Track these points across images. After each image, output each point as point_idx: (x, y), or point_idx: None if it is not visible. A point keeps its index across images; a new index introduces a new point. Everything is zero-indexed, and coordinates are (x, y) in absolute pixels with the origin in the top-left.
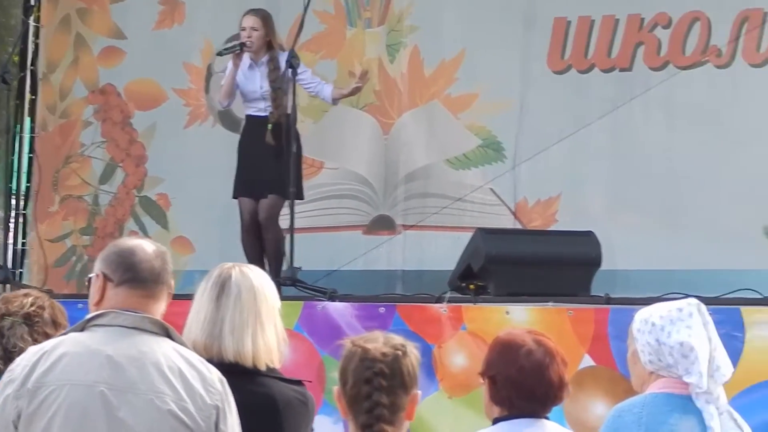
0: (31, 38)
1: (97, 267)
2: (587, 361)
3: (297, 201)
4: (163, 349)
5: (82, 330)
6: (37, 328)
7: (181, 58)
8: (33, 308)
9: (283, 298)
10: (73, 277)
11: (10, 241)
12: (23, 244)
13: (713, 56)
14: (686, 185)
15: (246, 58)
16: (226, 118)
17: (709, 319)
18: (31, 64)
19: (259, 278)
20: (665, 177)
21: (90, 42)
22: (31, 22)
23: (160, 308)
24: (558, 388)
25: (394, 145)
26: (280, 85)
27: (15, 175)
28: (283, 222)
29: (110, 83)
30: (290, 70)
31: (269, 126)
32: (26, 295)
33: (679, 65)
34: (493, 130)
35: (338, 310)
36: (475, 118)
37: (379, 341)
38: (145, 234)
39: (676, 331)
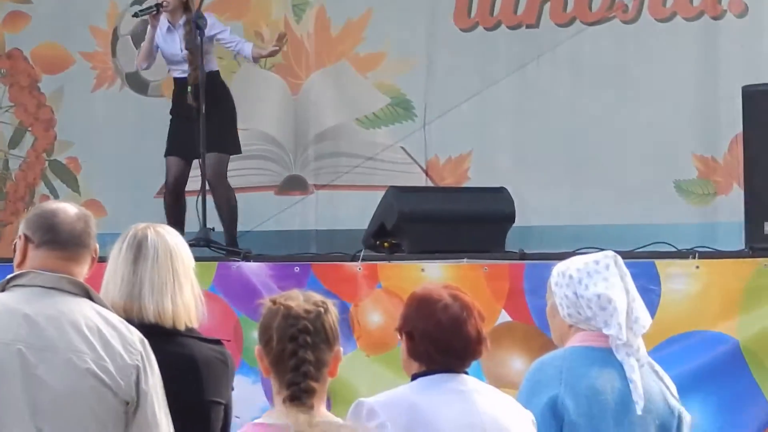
0: None
1: (21, 228)
2: (504, 316)
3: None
4: (82, 309)
5: (2, 290)
6: None
7: (87, 22)
8: None
9: (197, 258)
10: None
11: None
12: None
13: (620, 12)
14: (596, 140)
15: (164, 20)
16: (134, 81)
17: (626, 271)
18: None
19: (174, 238)
20: (575, 133)
21: None
22: None
23: (81, 271)
24: (476, 342)
25: (303, 105)
26: (196, 46)
27: None
28: (233, 180)
29: (17, 48)
30: (198, 31)
31: (189, 88)
32: None
33: (585, 21)
34: (402, 88)
35: (253, 270)
36: (383, 77)
37: (299, 299)
38: (56, 197)
39: (593, 284)
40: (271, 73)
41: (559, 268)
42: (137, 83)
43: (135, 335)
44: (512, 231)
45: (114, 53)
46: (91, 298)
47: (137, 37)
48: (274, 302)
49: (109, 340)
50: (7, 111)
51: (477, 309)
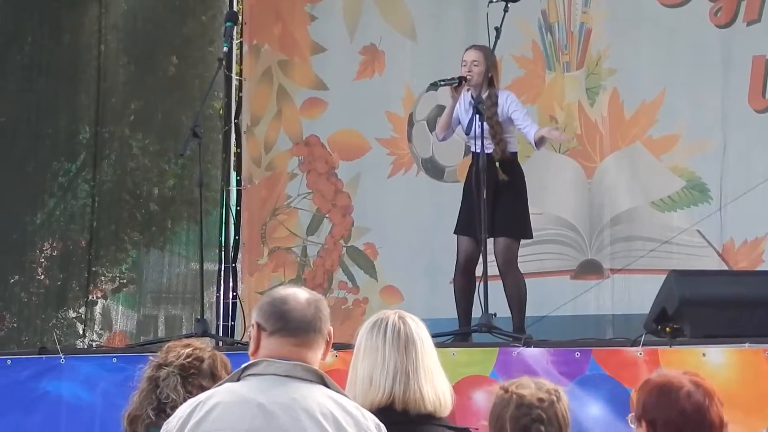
0: (234, 91)
1: (253, 317)
2: None
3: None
4: (315, 395)
5: (238, 380)
6: (192, 380)
7: (382, 107)
8: (189, 360)
9: (479, 344)
10: None
11: (221, 294)
12: (234, 297)
13: None
14: None
15: (467, 94)
16: (429, 167)
17: None
18: (235, 117)
19: (423, 325)
20: None
21: (292, 94)
22: (234, 76)
23: (315, 356)
24: (718, 429)
25: (597, 188)
26: (497, 123)
27: (223, 228)
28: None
29: (314, 134)
30: (479, 116)
31: (497, 164)
32: (186, 346)
33: None
34: (696, 171)
35: (534, 355)
36: (678, 160)
37: (531, 387)
38: (354, 284)
39: None
40: (566, 157)
41: None
42: (433, 169)
43: (370, 420)
44: None
45: (410, 139)
46: (325, 384)
47: (432, 123)
48: (506, 390)
49: (343, 426)
50: (305, 198)
51: (717, 395)
